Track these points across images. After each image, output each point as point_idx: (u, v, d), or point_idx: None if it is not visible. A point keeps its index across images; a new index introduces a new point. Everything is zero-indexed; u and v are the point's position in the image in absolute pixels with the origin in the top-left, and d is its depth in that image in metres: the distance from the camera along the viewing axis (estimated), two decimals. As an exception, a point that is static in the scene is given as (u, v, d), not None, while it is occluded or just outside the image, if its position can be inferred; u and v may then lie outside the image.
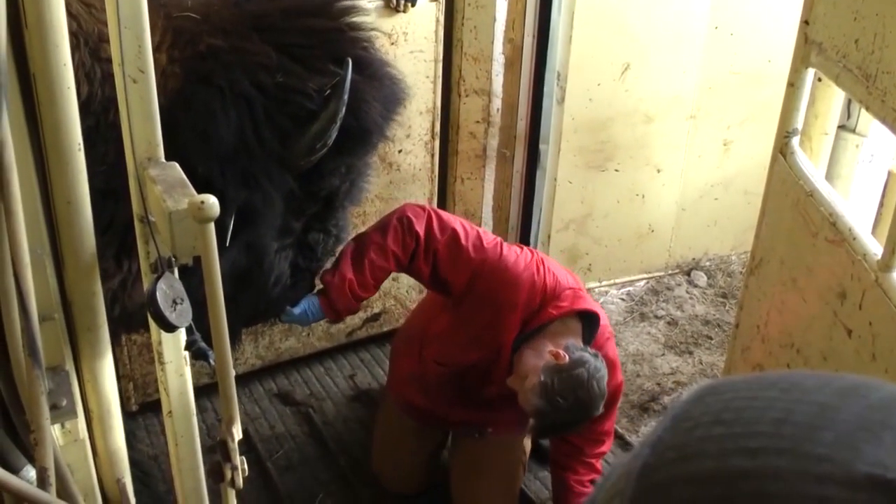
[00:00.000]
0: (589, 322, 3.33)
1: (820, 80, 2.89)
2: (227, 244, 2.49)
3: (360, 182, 3.03)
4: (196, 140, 2.34)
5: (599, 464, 3.64)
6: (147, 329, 2.97)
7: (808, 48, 2.68)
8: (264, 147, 2.50)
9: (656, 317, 5.19)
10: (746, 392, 0.72)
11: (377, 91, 2.73)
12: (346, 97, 2.53)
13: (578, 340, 3.26)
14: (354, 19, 2.70)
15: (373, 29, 2.78)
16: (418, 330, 3.70)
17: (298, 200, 2.78)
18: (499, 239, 3.42)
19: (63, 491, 1.74)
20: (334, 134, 2.57)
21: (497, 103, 4.30)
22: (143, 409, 4.11)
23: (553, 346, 3.20)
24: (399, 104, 2.87)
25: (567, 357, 3.13)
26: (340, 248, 3.25)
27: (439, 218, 3.33)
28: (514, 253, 3.36)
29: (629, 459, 0.74)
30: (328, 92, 2.56)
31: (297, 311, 3.22)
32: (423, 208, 3.35)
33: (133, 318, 2.51)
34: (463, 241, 3.30)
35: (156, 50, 1.92)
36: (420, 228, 3.28)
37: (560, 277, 3.36)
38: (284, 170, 2.60)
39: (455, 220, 3.37)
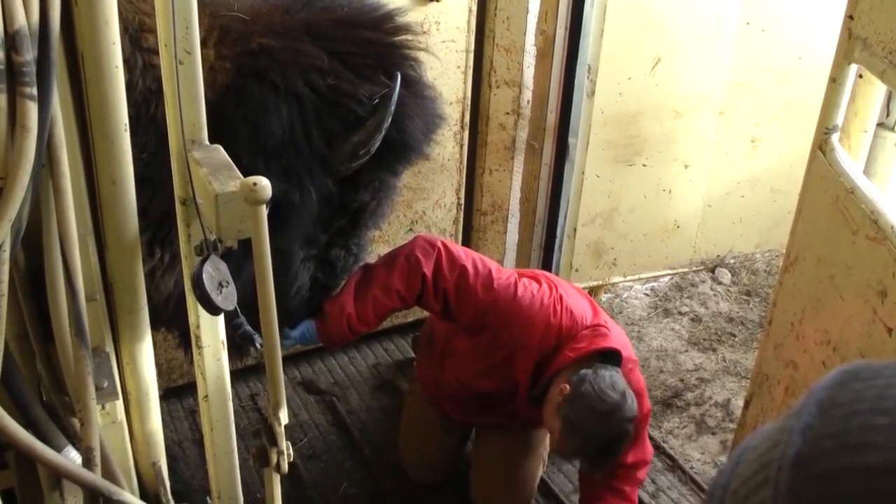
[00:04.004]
0: (610, 358, 3.20)
1: (861, 76, 2.85)
2: None
3: (385, 204, 3.05)
4: (246, 132, 2.37)
5: (635, 494, 3.47)
6: (168, 328, 2.99)
7: (852, 44, 2.64)
8: (311, 146, 2.53)
9: (680, 313, 5.17)
10: None
11: (420, 109, 2.76)
12: (393, 107, 2.54)
13: None
14: (406, 37, 2.72)
15: (421, 49, 2.79)
16: (441, 337, 3.62)
17: (333, 209, 2.79)
18: (514, 277, 3.30)
19: (106, 472, 1.73)
20: (378, 142, 2.60)
21: (527, 95, 4.27)
22: (167, 394, 4.11)
23: (563, 383, 3.12)
24: (437, 126, 2.91)
25: (568, 386, 3.07)
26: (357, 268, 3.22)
27: (449, 255, 3.22)
28: (529, 293, 3.24)
29: (768, 446, 0.71)
30: (377, 101, 2.59)
31: (295, 333, 3.17)
32: (433, 245, 3.24)
33: (156, 312, 2.51)
34: (471, 281, 3.20)
35: (202, 45, 1.92)
36: (427, 269, 3.18)
37: (578, 315, 3.25)
38: (326, 172, 2.62)
39: (467, 257, 3.25)
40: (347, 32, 2.61)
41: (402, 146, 2.74)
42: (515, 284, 3.24)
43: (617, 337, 3.29)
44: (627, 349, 3.34)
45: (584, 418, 3.03)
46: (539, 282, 3.32)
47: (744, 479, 0.72)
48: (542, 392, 3.23)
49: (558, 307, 3.22)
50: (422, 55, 2.80)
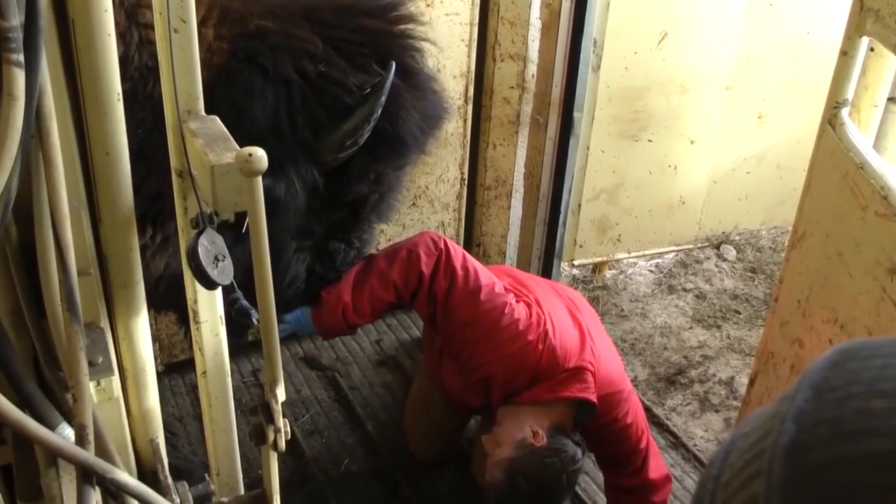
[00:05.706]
0: (584, 407, 3.09)
1: (872, 49, 2.79)
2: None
3: (389, 197, 2.97)
4: (230, 116, 2.31)
5: None
6: (158, 310, 2.94)
7: (864, 16, 2.58)
8: (296, 133, 2.47)
9: (685, 289, 5.14)
10: None
11: (418, 102, 2.69)
12: (383, 98, 2.48)
13: (568, 423, 3.08)
14: (408, 27, 2.64)
15: (425, 40, 2.72)
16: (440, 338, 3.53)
17: (323, 201, 2.73)
18: (505, 301, 3.12)
19: (100, 449, 1.70)
20: (366, 134, 2.53)
21: (532, 69, 4.22)
22: (169, 369, 4.10)
23: (536, 421, 3.03)
24: (439, 121, 2.82)
25: (545, 440, 2.98)
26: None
27: (448, 259, 3.12)
28: (514, 326, 3.07)
29: (760, 434, 0.65)
30: (368, 90, 2.52)
31: (290, 317, 3.12)
32: (437, 245, 3.15)
33: (147, 293, 2.47)
34: (458, 290, 3.08)
35: (201, 24, 1.88)
36: (427, 269, 3.09)
37: (560, 355, 3.06)
38: (311, 162, 2.55)
39: (462, 265, 3.13)
40: (347, 20, 2.54)
41: (396, 140, 2.66)
42: (502, 310, 3.10)
43: (605, 370, 3.16)
44: (617, 381, 3.21)
45: (527, 476, 2.97)
46: (530, 309, 3.16)
47: (736, 470, 0.67)
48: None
49: (540, 347, 3.07)
50: (425, 37, 2.72)
